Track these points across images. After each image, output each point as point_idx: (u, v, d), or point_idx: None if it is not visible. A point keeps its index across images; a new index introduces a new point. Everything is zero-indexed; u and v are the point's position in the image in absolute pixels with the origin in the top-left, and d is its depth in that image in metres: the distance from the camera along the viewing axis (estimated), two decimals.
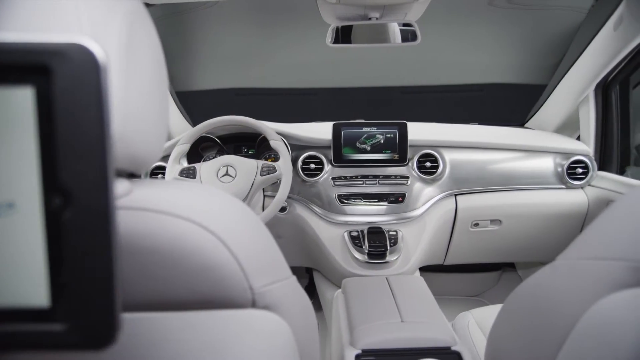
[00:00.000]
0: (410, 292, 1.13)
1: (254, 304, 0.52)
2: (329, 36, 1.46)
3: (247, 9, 1.92)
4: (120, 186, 0.48)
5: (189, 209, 0.49)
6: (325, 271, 1.67)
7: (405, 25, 1.47)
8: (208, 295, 0.50)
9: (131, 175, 0.56)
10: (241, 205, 0.57)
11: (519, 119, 2.11)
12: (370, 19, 1.45)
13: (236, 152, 1.75)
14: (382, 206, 1.61)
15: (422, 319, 0.98)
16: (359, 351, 0.89)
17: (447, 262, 1.80)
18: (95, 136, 0.33)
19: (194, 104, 2.08)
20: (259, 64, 2.14)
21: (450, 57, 2.14)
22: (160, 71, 0.54)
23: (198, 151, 1.70)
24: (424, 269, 1.93)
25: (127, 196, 0.49)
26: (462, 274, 2.11)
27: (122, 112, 0.46)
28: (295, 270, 2.11)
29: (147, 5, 1.68)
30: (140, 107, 0.49)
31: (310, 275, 2.15)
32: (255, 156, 1.71)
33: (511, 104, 2.24)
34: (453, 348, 0.89)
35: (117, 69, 0.45)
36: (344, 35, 1.46)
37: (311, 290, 1.97)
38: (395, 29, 1.46)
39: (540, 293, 0.72)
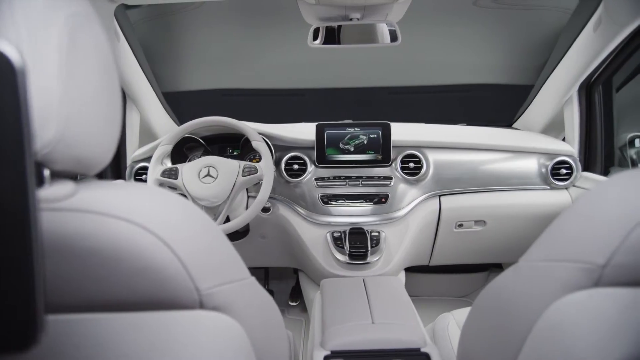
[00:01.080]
0: (386, 293, 1.13)
1: (202, 305, 0.52)
2: (310, 37, 1.46)
3: (233, 10, 1.92)
4: (63, 188, 0.48)
5: (130, 211, 0.49)
6: (308, 272, 1.67)
7: (386, 25, 1.47)
8: (152, 296, 0.50)
9: (82, 177, 0.56)
10: (189, 206, 0.56)
11: (507, 119, 2.11)
12: (351, 19, 1.45)
13: (221, 152, 1.75)
14: (365, 207, 1.61)
15: (394, 320, 0.98)
16: (328, 352, 0.89)
17: (432, 263, 1.80)
18: (11, 138, 0.33)
19: (181, 105, 2.08)
20: (246, 65, 2.14)
21: (436, 58, 2.14)
22: (108, 73, 0.54)
23: (183, 152, 1.70)
24: (411, 270, 1.93)
25: (70, 198, 0.48)
26: (449, 275, 2.11)
27: (63, 114, 0.46)
28: (282, 270, 2.10)
29: (130, 7, 1.68)
30: (84, 109, 0.49)
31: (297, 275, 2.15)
32: (240, 157, 1.71)
33: (499, 105, 2.24)
34: (422, 349, 0.89)
35: (56, 71, 0.45)
36: (324, 36, 1.46)
37: (299, 290, 1.97)
38: (375, 30, 1.46)
39: (504, 294, 0.72)
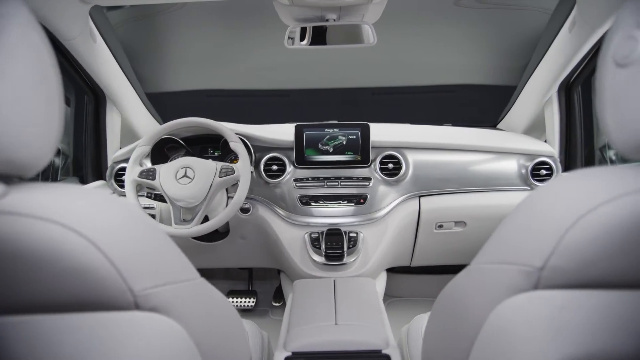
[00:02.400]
0: (355, 294, 1.13)
1: (137, 307, 0.52)
2: (286, 38, 1.46)
3: (215, 12, 1.92)
4: None
5: (60, 213, 0.49)
6: (288, 272, 1.67)
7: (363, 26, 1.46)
8: (86, 297, 0.50)
9: (19, 179, 0.56)
10: (127, 209, 0.56)
11: (492, 120, 2.11)
12: (327, 20, 1.45)
13: (202, 153, 1.75)
14: (344, 208, 1.61)
15: (358, 322, 0.98)
16: (289, 354, 0.89)
17: (414, 264, 1.80)
18: None
19: (165, 106, 2.08)
20: (230, 66, 2.14)
21: (420, 58, 2.14)
22: (45, 73, 0.54)
23: (164, 152, 1.70)
24: (393, 270, 1.93)
25: (0, 200, 0.49)
26: (431, 276, 2.11)
27: None
28: (267, 271, 2.10)
29: (111, 8, 1.68)
30: (16, 110, 0.49)
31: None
32: (220, 157, 1.71)
33: (484, 105, 2.23)
34: (384, 351, 0.89)
35: None
36: (300, 37, 1.46)
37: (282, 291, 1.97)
38: (351, 31, 1.46)
39: (456, 296, 0.73)
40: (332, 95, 2.23)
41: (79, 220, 0.49)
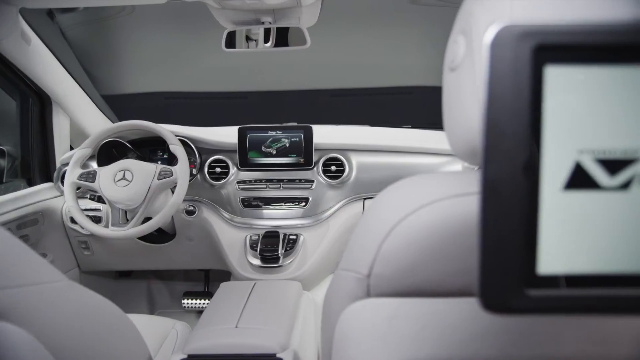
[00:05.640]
0: (270, 298, 1.13)
1: None
2: (223, 41, 1.46)
3: (167, 15, 1.93)
4: None
5: None
6: (232, 274, 1.67)
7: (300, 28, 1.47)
8: None
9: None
10: None
11: None
12: (263, 23, 1.45)
13: (152, 155, 1.76)
14: (286, 210, 1.61)
15: (261, 325, 0.98)
16: (185, 356, 0.90)
17: None
18: None
19: (123, 108, 2.09)
20: (187, 68, 2.15)
21: (377, 59, 2.14)
22: None
23: (114, 155, 1.71)
24: None
25: None
26: None
27: None
28: (225, 273, 2.10)
29: (65, 11, 1.69)
30: None
31: None
32: (169, 160, 1.72)
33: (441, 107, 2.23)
34: (278, 355, 0.89)
35: None
36: (235, 40, 1.47)
37: None
38: (286, 33, 1.46)
39: (325, 299, 0.73)
40: (290, 97, 2.23)
41: None
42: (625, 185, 0.30)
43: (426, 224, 0.50)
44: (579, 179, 0.30)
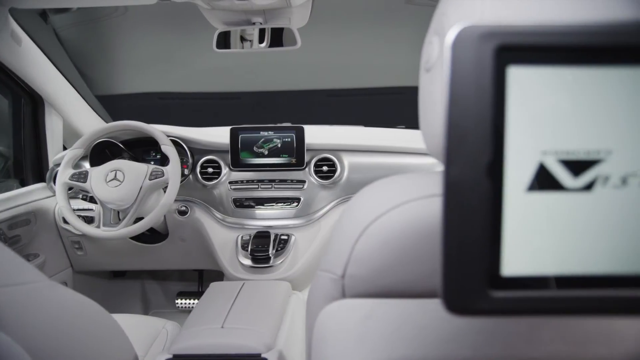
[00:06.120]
0: (258, 298, 1.14)
1: None
2: (214, 41, 1.47)
3: (160, 16, 1.93)
4: None
5: None
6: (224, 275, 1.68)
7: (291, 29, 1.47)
8: None
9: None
10: None
11: None
12: (254, 23, 1.46)
13: (145, 155, 1.77)
14: (277, 210, 1.62)
15: (247, 325, 0.98)
16: (170, 356, 0.90)
17: None
18: None
19: (117, 108, 2.09)
20: (181, 68, 2.15)
21: (372, 60, 2.14)
22: None
23: (107, 155, 1.71)
24: None
25: None
26: None
27: None
28: (218, 272, 2.11)
29: (58, 11, 1.70)
30: None
31: None
32: (161, 160, 1.72)
33: None
34: (263, 355, 0.90)
35: None
36: (226, 41, 1.47)
37: None
38: (277, 34, 1.47)
39: (307, 302, 0.73)
40: (285, 97, 2.24)
41: None
42: (589, 187, 0.30)
43: (397, 225, 0.50)
44: (543, 180, 0.30)
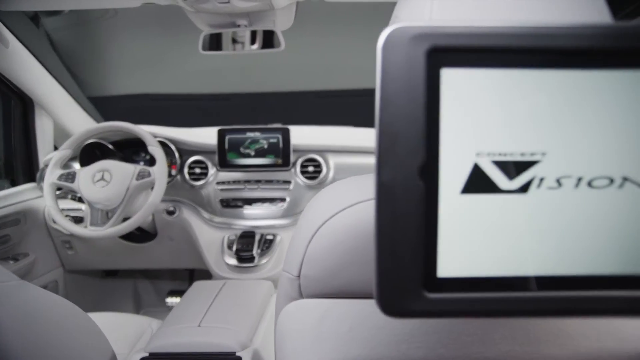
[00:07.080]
0: (238, 297, 1.15)
1: None
2: (200, 43, 1.48)
3: (150, 18, 1.95)
4: None
5: None
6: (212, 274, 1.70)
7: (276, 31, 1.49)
8: None
9: None
10: None
11: None
12: (239, 26, 1.47)
13: (134, 156, 1.79)
14: (263, 210, 1.63)
15: (224, 324, 1.00)
16: (146, 354, 0.92)
17: None
18: None
19: (109, 109, 2.11)
20: (172, 70, 2.17)
21: (361, 61, 2.15)
22: None
23: (97, 155, 1.73)
24: None
25: None
26: None
27: None
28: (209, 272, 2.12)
29: (50, 14, 1.71)
30: None
31: None
32: (150, 161, 1.74)
33: None
34: (237, 354, 0.91)
35: None
36: (211, 42, 1.49)
37: None
38: (272, 36, 1.49)
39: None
40: (274, 99, 2.25)
41: None
42: (524, 188, 0.30)
43: (346, 226, 0.51)
44: (478, 182, 0.30)
